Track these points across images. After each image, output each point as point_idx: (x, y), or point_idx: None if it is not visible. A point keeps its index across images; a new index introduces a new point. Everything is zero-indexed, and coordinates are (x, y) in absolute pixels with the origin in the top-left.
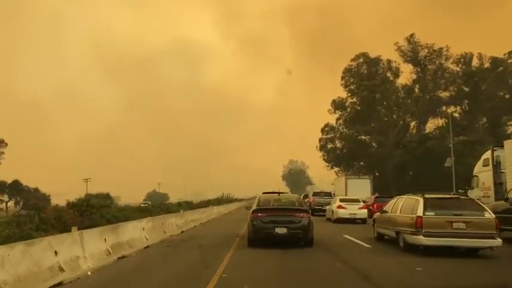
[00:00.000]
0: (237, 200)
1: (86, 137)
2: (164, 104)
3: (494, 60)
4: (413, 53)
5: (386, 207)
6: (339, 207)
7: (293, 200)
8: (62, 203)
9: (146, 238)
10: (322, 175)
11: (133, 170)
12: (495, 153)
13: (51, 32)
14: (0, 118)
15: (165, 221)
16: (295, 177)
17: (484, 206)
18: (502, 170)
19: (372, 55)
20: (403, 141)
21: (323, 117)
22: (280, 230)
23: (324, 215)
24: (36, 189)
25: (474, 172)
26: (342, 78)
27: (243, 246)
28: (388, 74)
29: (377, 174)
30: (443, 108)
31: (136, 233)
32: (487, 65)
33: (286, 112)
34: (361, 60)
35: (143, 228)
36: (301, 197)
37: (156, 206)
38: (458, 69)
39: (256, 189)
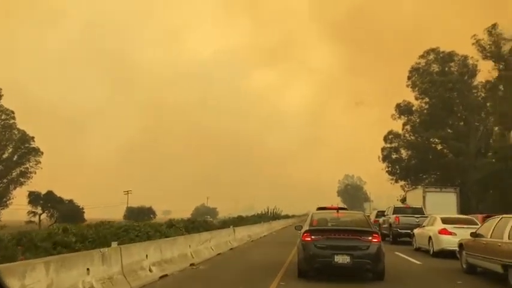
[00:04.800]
0: (287, 216)
1: (127, 149)
2: (211, 115)
3: None
4: (495, 47)
5: (482, 231)
6: (443, 232)
7: (357, 219)
8: (98, 216)
9: None
10: (381, 191)
11: (182, 184)
12: None
13: (83, 43)
14: (38, 129)
15: None
16: (353, 192)
17: None
18: None
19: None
20: (494, 148)
21: (382, 126)
22: (341, 259)
23: (411, 244)
24: (71, 201)
25: None
26: (409, 78)
27: None
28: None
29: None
30: None
31: None
32: None
33: (335, 125)
34: (431, 57)
35: None
36: (375, 214)
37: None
38: None
39: (309, 206)
